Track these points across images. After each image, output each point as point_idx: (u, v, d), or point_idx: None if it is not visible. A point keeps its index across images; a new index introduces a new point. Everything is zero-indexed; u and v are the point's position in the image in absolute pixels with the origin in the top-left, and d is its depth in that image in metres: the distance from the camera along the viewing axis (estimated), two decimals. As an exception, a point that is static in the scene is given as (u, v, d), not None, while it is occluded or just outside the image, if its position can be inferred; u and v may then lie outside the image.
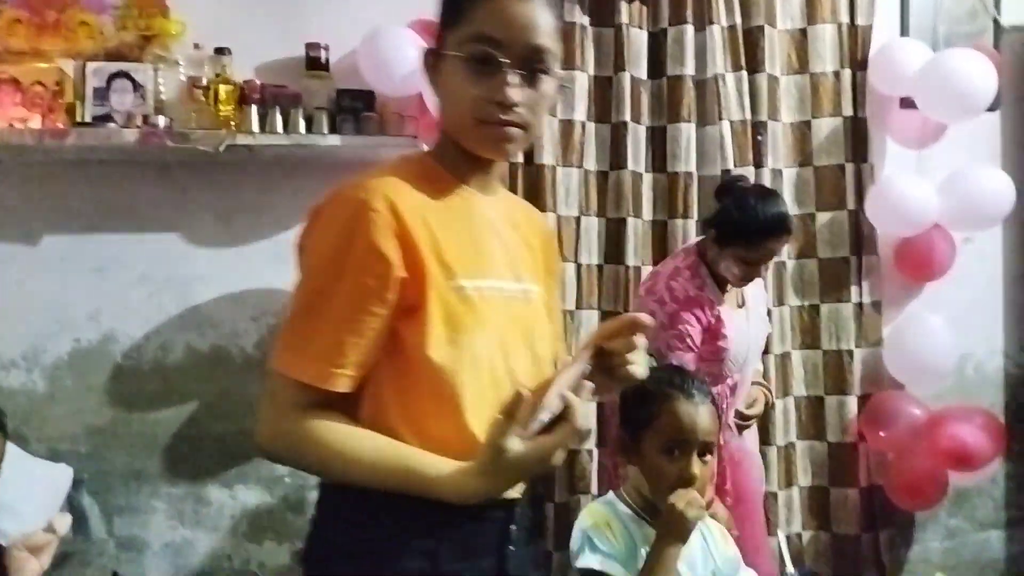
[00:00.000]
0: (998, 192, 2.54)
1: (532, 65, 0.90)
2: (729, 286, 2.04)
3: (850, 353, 2.59)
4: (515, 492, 0.95)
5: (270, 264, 2.30)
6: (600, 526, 1.30)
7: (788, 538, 2.33)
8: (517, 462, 0.82)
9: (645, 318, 0.94)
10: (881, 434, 2.55)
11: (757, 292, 2.17)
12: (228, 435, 2.31)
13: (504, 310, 0.95)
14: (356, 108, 2.26)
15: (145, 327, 2.29)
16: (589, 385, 0.87)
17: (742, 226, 1.92)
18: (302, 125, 2.18)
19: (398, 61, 2.19)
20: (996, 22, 2.77)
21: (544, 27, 0.90)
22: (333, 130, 2.22)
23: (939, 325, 2.57)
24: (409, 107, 2.30)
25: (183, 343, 2.31)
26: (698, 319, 1.94)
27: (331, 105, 2.25)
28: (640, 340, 0.95)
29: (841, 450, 2.60)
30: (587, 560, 1.27)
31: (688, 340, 1.91)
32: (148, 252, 2.28)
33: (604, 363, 0.92)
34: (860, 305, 2.62)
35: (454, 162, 0.96)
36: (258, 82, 2.21)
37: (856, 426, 2.60)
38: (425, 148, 2.24)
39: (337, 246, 0.87)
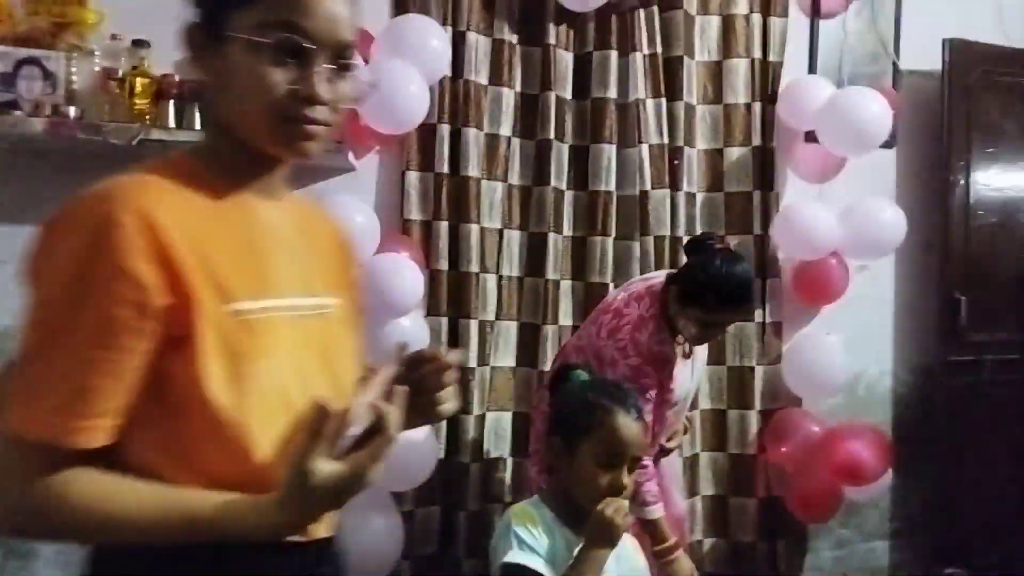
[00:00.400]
0: (892, 224, 2.72)
1: (341, 60, 0.82)
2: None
3: (751, 370, 2.73)
4: (324, 529, 0.84)
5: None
6: (527, 524, 1.33)
7: (690, 545, 2.40)
8: (327, 486, 0.72)
9: (453, 359, 0.93)
10: (783, 449, 2.69)
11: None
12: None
13: (296, 331, 0.84)
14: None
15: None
16: (403, 389, 0.79)
17: (703, 291, 1.88)
18: (222, 124, 2.14)
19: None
20: (895, 65, 2.98)
21: (350, 21, 0.83)
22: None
23: (833, 345, 2.74)
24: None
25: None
26: (658, 375, 1.93)
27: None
28: (450, 378, 0.92)
29: (741, 462, 2.73)
30: (514, 556, 1.30)
31: (648, 396, 1.88)
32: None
33: (413, 400, 0.83)
34: (763, 324, 2.76)
35: (231, 163, 0.84)
36: (177, 77, 2.15)
37: (757, 439, 2.73)
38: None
39: (74, 271, 0.72)
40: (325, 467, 0.72)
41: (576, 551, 1.31)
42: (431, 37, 2.26)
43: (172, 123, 2.09)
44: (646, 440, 1.40)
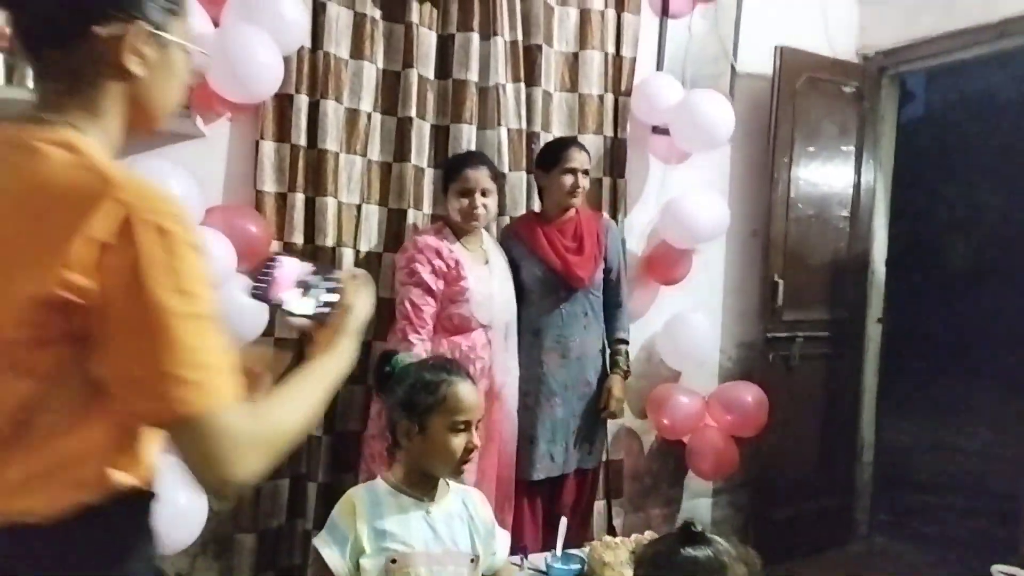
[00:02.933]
0: (719, 214, 2.98)
1: None
2: (471, 244, 2.30)
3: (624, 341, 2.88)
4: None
5: None
6: (344, 514, 1.43)
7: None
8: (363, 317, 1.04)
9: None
10: (665, 421, 2.97)
11: (499, 258, 2.41)
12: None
13: None
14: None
15: None
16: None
17: (448, 164, 2.40)
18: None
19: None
20: (733, 68, 3.24)
21: None
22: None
23: (702, 322, 3.01)
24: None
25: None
26: (430, 260, 2.19)
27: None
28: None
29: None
30: (318, 540, 1.42)
31: (417, 277, 2.17)
32: None
33: None
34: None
35: None
36: (7, 30, 2.00)
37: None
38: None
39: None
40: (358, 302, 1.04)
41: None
42: (284, 5, 2.22)
43: (1, 79, 1.95)
44: (482, 398, 1.55)
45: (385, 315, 2.39)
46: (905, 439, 5.11)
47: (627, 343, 2.61)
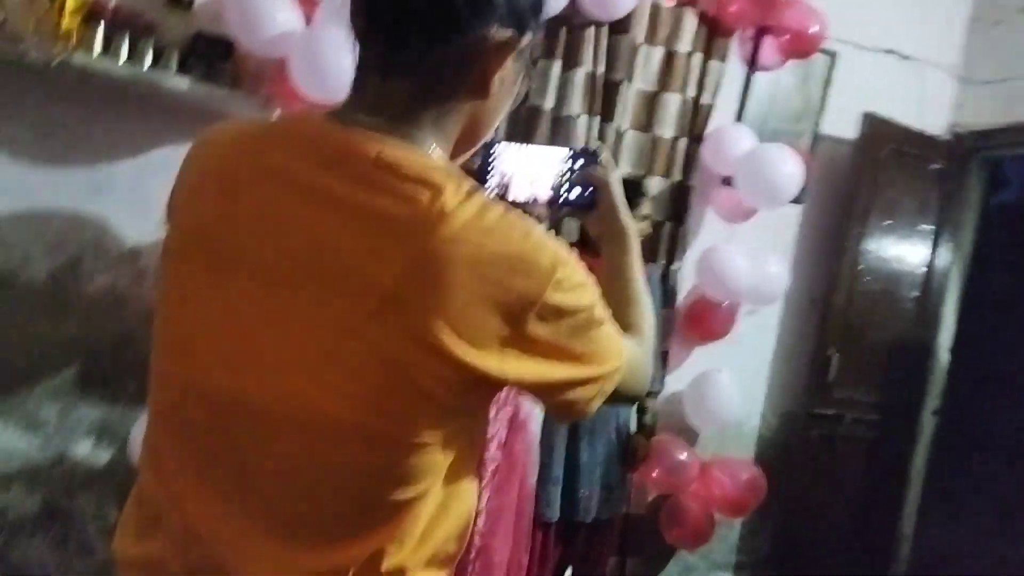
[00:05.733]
0: (777, 277, 2.88)
1: None
2: None
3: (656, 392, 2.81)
4: None
5: (83, 192, 2.18)
6: None
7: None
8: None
9: None
10: (654, 474, 2.82)
11: None
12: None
13: None
14: (212, 55, 2.20)
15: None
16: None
17: None
18: (149, 57, 2.09)
19: (267, 19, 2.15)
20: (816, 129, 3.15)
21: None
22: (183, 71, 2.14)
23: (729, 382, 2.89)
24: (269, 69, 2.27)
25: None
26: None
27: (186, 46, 2.18)
28: None
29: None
30: None
31: None
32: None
33: None
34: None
35: None
36: (112, 2, 2.09)
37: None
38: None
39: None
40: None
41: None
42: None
43: (98, 48, 2.03)
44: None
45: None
46: (948, 540, 4.83)
47: (656, 396, 2.54)
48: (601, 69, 2.71)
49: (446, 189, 0.66)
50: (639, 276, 0.90)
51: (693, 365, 3.01)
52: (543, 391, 0.74)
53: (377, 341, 0.65)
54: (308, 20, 2.22)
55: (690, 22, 2.84)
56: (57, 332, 2.21)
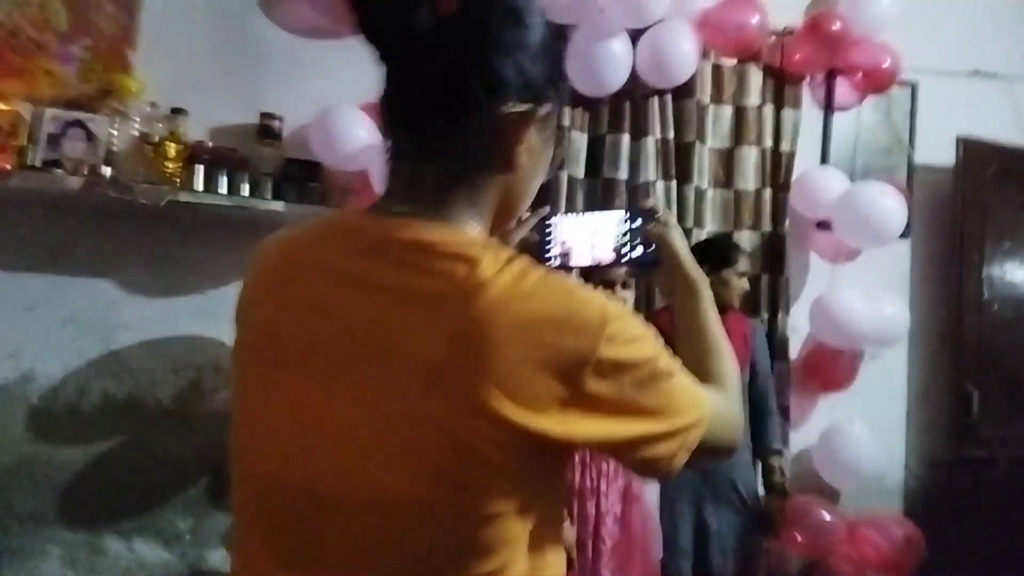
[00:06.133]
0: (896, 315, 2.71)
1: None
2: None
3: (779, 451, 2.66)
4: None
5: (197, 318, 2.35)
6: None
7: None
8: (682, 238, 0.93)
9: None
10: (799, 538, 2.62)
11: None
12: (132, 485, 2.29)
13: None
14: (302, 177, 2.37)
15: (64, 369, 2.29)
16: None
17: None
18: (246, 188, 2.28)
19: (347, 138, 2.32)
20: (910, 159, 3.02)
21: None
22: (277, 196, 2.32)
23: (862, 434, 2.70)
24: (354, 181, 2.42)
25: (99, 388, 2.31)
26: None
27: (278, 172, 2.36)
28: None
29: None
30: None
31: None
32: (77, 296, 2.30)
33: None
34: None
35: None
36: (209, 144, 2.30)
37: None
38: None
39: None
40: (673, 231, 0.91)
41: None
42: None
43: (199, 186, 2.23)
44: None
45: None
46: None
47: (782, 454, 2.39)
48: (670, 134, 2.73)
49: (482, 260, 0.67)
50: (714, 326, 0.88)
51: (820, 419, 2.83)
52: (618, 450, 0.71)
53: (432, 414, 0.65)
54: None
55: (755, 76, 2.83)
56: (185, 448, 2.34)
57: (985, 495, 2.79)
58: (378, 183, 2.26)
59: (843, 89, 2.89)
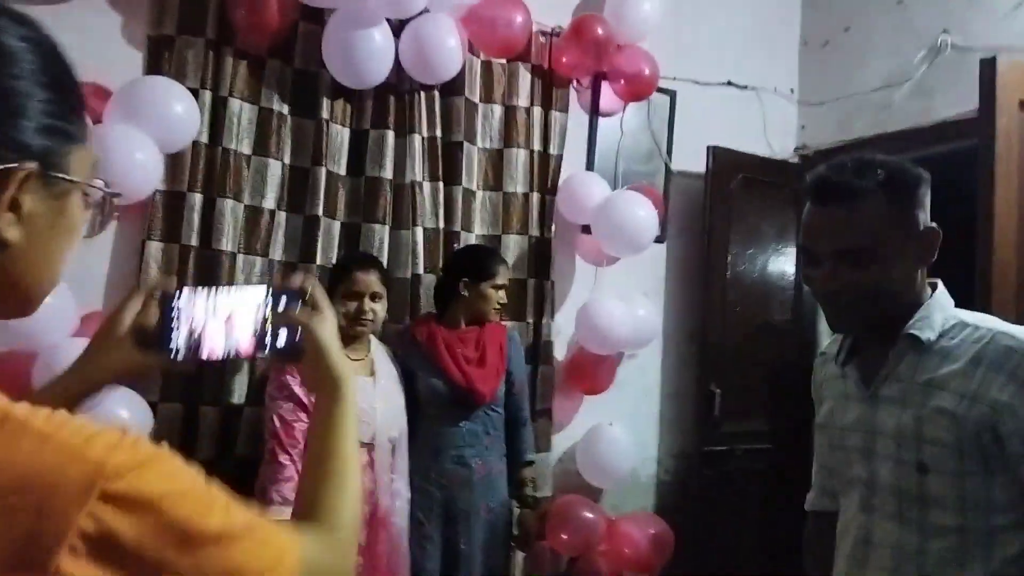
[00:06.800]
0: (650, 319, 2.84)
1: None
2: (355, 351, 2.11)
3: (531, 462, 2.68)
4: None
5: None
6: None
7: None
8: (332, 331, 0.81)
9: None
10: (564, 536, 2.67)
11: (388, 367, 2.21)
12: None
13: None
14: None
15: None
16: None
17: (336, 264, 2.28)
18: None
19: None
20: (667, 167, 3.15)
21: None
22: None
23: (620, 435, 2.80)
24: None
25: None
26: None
27: None
28: None
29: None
30: None
31: (287, 391, 1.96)
32: None
33: None
34: (534, 412, 2.74)
35: None
36: None
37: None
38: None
39: None
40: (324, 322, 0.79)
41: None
42: (175, 101, 2.10)
43: None
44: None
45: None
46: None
47: (533, 464, 2.41)
48: (438, 132, 2.63)
49: None
50: (347, 446, 0.75)
51: (584, 419, 2.90)
52: None
53: None
54: (97, 120, 2.05)
55: (524, 77, 2.80)
56: None
57: (725, 486, 3.02)
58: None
59: (607, 94, 2.94)
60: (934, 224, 1.14)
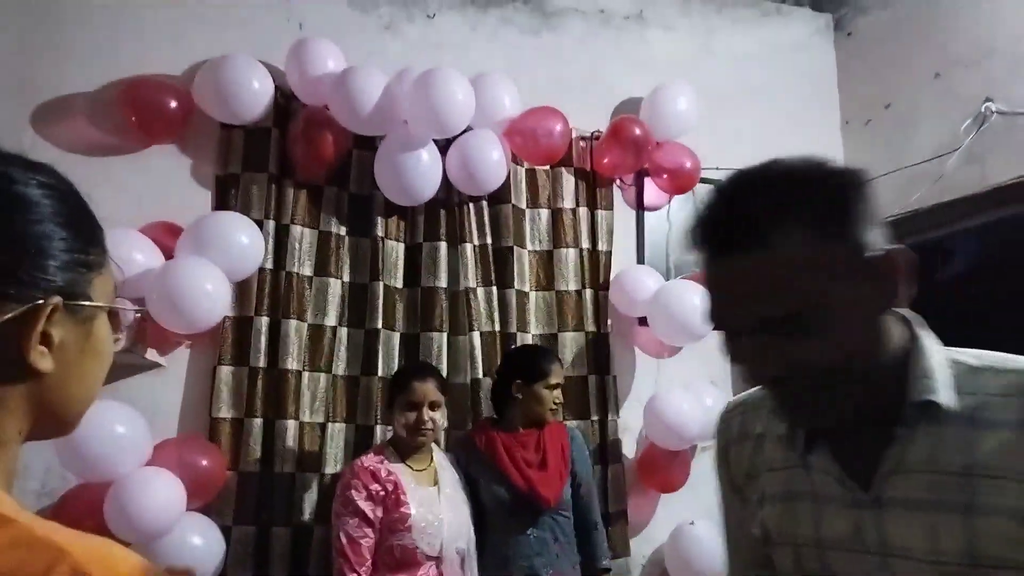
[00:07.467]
0: (710, 410, 2.76)
1: None
2: (418, 462, 2.13)
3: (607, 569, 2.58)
4: None
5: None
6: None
7: None
8: None
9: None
10: None
11: (452, 477, 2.19)
12: None
13: None
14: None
15: None
16: None
17: (394, 377, 2.27)
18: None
19: (122, 263, 2.13)
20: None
21: None
22: None
23: (705, 533, 2.66)
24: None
25: None
26: (366, 485, 2.01)
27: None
28: None
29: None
30: None
31: (352, 506, 1.99)
32: None
33: None
34: (607, 515, 2.66)
35: None
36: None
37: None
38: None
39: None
40: None
41: None
42: (241, 232, 2.24)
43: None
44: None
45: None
46: None
47: (609, 572, 2.32)
48: (488, 239, 2.71)
49: None
50: None
51: (661, 520, 2.79)
52: None
53: None
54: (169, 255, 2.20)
55: (568, 180, 2.89)
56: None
57: None
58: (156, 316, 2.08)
59: (651, 189, 3.00)
60: (894, 245, 0.79)
